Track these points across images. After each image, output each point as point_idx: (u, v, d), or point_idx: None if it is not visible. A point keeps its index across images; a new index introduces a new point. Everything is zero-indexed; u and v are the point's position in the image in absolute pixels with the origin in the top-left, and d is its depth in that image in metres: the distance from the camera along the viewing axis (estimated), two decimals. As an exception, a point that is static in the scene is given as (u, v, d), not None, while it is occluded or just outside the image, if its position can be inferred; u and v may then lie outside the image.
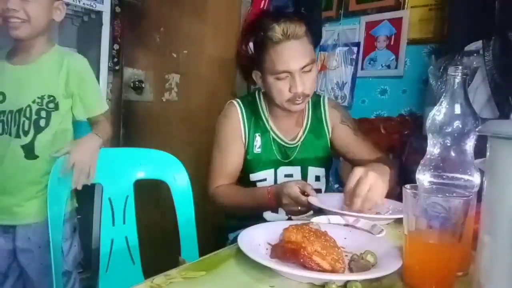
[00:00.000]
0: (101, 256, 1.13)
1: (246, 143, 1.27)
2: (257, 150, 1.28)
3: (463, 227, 0.55)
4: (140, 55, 2.19)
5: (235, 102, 1.31)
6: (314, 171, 1.32)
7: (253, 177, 1.28)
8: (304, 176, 1.30)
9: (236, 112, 1.28)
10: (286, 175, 1.29)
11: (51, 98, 1.22)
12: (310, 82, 1.18)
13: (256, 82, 1.27)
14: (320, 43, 2.34)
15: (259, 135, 1.28)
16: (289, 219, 1.27)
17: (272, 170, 1.28)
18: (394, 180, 1.17)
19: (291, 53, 1.13)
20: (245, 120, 1.28)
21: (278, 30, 1.12)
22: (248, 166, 1.28)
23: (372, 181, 0.95)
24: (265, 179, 1.28)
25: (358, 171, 0.98)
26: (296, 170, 1.30)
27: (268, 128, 1.30)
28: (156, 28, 2.23)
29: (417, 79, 2.02)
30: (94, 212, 1.73)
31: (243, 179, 1.31)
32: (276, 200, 1.10)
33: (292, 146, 1.30)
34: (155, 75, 2.26)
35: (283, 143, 1.30)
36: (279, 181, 1.27)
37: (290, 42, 1.13)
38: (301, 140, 1.31)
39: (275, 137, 1.29)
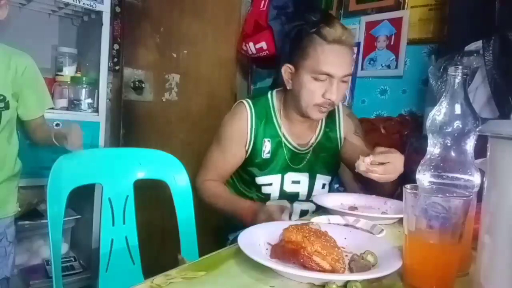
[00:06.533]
0: (101, 256, 1.13)
1: (250, 147, 1.23)
2: (265, 155, 1.23)
3: (463, 227, 0.55)
4: (140, 55, 2.19)
5: (245, 103, 1.24)
6: (322, 179, 1.29)
7: (259, 180, 1.25)
8: (312, 184, 1.27)
9: (245, 114, 1.23)
10: (293, 182, 1.26)
11: (2, 97, 1.23)
12: (342, 93, 1.14)
13: (284, 77, 1.19)
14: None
15: (268, 140, 1.23)
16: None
17: (279, 176, 1.25)
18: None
19: (340, 57, 1.09)
20: (253, 124, 1.22)
21: (335, 30, 1.08)
22: (255, 169, 1.25)
23: (400, 156, 1.03)
24: (271, 184, 1.25)
25: (382, 148, 1.05)
26: (303, 177, 1.27)
27: (280, 133, 1.24)
28: (156, 28, 2.23)
29: (417, 79, 2.02)
30: (94, 212, 1.73)
31: (249, 181, 1.28)
32: (252, 217, 1.04)
33: (302, 151, 1.26)
34: (155, 75, 2.26)
35: (293, 149, 1.25)
36: (285, 187, 1.25)
37: (341, 46, 1.09)
38: (313, 146, 1.27)
39: (286, 142, 1.25)
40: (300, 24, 1.16)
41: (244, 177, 1.30)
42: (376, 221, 0.89)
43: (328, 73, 1.09)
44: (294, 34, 1.17)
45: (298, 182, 1.26)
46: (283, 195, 1.27)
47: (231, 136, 1.24)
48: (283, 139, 1.25)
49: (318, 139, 1.28)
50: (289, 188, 1.26)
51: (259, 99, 1.28)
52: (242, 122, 1.22)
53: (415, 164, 0.68)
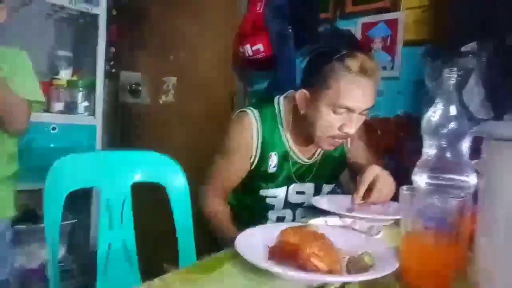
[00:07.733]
0: (98, 259, 1.13)
1: (255, 161, 1.18)
2: (271, 169, 1.18)
3: (460, 228, 0.56)
4: (137, 58, 2.19)
5: (251, 114, 1.16)
6: (326, 188, 1.28)
7: (264, 192, 1.23)
8: (317, 194, 1.25)
9: (251, 127, 1.15)
10: (297, 192, 1.24)
11: None
12: (359, 125, 1.09)
13: (297, 101, 1.11)
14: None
15: (275, 154, 1.18)
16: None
17: (284, 188, 1.22)
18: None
19: (362, 91, 1.01)
20: (259, 137, 1.16)
21: (360, 60, 0.99)
22: (260, 182, 1.21)
23: (388, 179, 1.05)
24: (275, 197, 1.23)
25: (375, 169, 1.05)
26: (309, 187, 1.25)
27: (287, 146, 1.19)
28: (153, 30, 2.24)
29: (413, 80, 2.03)
30: (91, 215, 1.72)
31: (251, 192, 1.25)
32: None
33: (308, 164, 1.23)
34: (152, 77, 2.26)
35: (300, 161, 1.21)
36: (289, 198, 1.24)
37: (364, 79, 1.00)
38: (319, 157, 1.24)
39: (293, 155, 1.20)
40: (319, 47, 1.06)
41: (246, 187, 1.26)
42: (373, 222, 0.89)
43: (348, 107, 1.02)
44: (313, 59, 1.08)
45: (302, 192, 1.24)
46: (287, 205, 1.26)
47: (236, 149, 1.18)
48: (290, 151, 1.20)
49: (323, 150, 1.23)
50: (293, 199, 1.25)
51: (266, 109, 1.19)
52: (248, 136, 1.16)
53: (411, 165, 0.68)
